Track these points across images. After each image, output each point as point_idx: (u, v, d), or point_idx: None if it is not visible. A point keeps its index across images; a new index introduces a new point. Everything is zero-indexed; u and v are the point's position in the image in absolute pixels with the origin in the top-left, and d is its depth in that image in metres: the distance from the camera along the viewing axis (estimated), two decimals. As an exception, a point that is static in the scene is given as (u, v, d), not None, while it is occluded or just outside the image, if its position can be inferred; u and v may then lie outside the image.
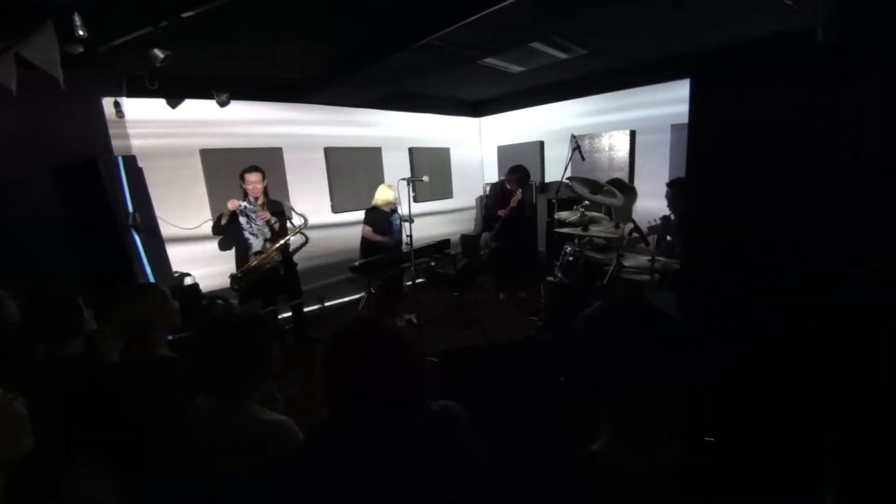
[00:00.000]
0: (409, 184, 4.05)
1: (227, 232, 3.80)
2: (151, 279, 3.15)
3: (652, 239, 3.72)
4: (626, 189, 5.03)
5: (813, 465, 1.37)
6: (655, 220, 3.81)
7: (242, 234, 3.74)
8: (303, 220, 3.85)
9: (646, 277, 3.14)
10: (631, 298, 1.06)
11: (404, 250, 3.94)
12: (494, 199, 5.17)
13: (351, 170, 5.37)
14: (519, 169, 4.92)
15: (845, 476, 1.34)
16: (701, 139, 1.71)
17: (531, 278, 4.97)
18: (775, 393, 1.52)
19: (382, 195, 4.55)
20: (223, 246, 3.93)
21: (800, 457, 1.41)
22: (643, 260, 3.24)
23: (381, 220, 4.53)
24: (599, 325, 0.78)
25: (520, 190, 4.91)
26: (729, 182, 1.64)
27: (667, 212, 3.71)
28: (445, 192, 6.54)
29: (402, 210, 4.44)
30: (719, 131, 1.66)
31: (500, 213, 4.99)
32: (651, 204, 4.72)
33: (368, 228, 4.52)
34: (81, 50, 2.34)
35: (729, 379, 1.55)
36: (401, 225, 4.55)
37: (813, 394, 1.45)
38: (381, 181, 5.63)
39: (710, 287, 1.72)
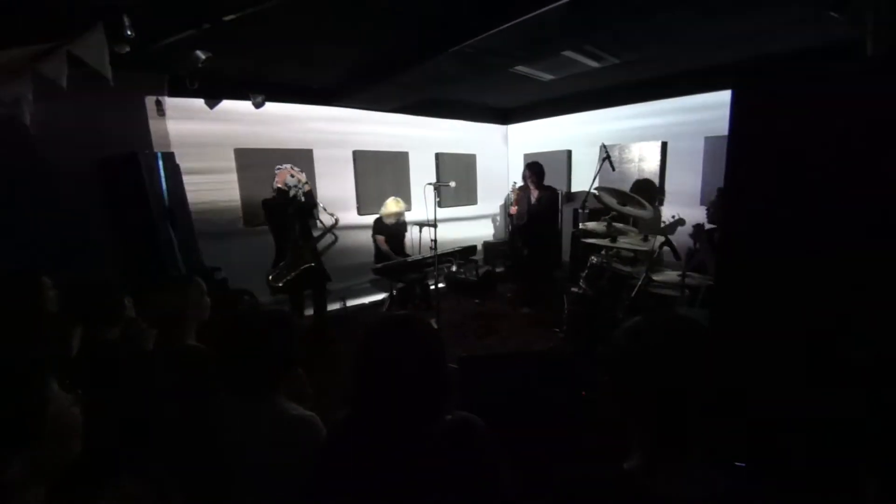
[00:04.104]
0: (434, 189, 4.06)
1: (273, 221, 3.82)
2: (184, 272, 3.24)
3: (683, 252, 3.55)
4: (654, 192, 4.89)
5: (855, 489, 1.30)
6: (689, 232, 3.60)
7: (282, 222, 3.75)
8: (334, 220, 3.93)
9: (675, 293, 3.04)
10: (672, 313, 1.03)
11: (430, 254, 3.94)
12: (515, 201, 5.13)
13: (378, 173, 5.43)
14: (534, 165, 4.86)
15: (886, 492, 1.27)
16: (741, 152, 1.66)
17: (549, 293, 4.87)
18: (816, 411, 1.45)
19: (389, 208, 4.64)
20: (277, 239, 3.91)
21: (843, 481, 1.34)
22: (673, 275, 3.13)
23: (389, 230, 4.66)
24: (640, 339, 0.76)
25: (537, 191, 4.82)
26: (769, 197, 1.59)
27: (699, 220, 3.45)
28: (470, 198, 6.54)
29: (427, 214, 4.44)
30: (760, 145, 1.61)
31: (511, 211, 4.96)
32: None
33: (382, 238, 4.66)
34: (128, 50, 2.43)
35: (766, 396, 1.49)
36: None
37: (855, 410, 1.38)
38: (408, 185, 5.69)
39: (748, 304, 1.66)
